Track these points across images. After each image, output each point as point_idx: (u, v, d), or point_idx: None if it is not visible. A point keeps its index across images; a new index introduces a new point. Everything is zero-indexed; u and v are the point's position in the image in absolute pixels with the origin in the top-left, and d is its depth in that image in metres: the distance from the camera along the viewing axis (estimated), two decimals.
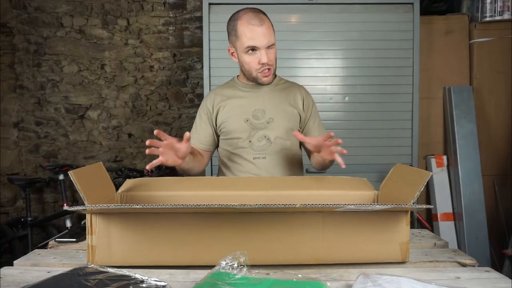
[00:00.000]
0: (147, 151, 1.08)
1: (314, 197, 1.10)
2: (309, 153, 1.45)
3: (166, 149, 1.11)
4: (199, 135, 1.47)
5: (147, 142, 1.04)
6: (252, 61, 1.34)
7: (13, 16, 3.17)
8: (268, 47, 1.32)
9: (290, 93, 1.46)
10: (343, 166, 1.11)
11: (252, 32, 1.29)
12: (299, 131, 1.46)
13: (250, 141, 1.40)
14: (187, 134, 1.13)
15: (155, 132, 1.07)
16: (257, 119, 1.40)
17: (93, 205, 0.85)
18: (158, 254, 0.93)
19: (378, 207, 0.83)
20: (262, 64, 1.33)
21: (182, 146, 1.15)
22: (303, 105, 1.47)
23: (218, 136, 1.49)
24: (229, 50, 1.42)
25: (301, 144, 1.48)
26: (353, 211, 0.92)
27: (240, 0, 2.28)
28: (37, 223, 2.84)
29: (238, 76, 1.50)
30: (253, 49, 1.32)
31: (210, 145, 1.49)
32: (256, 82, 1.41)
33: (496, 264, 2.57)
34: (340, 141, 1.09)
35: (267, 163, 1.41)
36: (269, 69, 1.35)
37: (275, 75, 1.45)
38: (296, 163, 1.48)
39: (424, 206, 0.87)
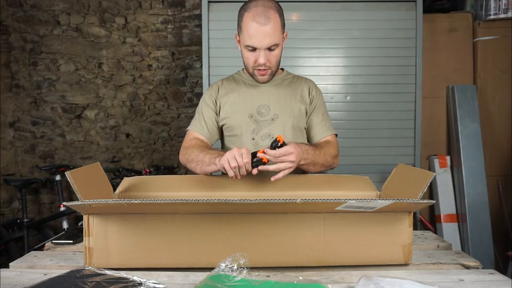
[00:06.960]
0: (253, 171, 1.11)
1: (315, 197, 1.09)
2: None
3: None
4: (207, 124, 1.40)
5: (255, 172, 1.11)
6: (249, 58, 1.30)
7: (8, 14, 3.14)
8: (269, 48, 1.26)
9: (297, 88, 1.41)
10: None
11: (254, 30, 1.23)
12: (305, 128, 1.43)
13: (253, 139, 1.37)
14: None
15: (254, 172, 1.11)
16: (262, 115, 1.37)
17: (91, 200, 0.83)
18: (157, 256, 0.92)
19: (380, 201, 0.82)
20: (259, 64, 1.28)
21: None
22: (309, 98, 1.42)
23: (220, 130, 1.45)
24: (236, 36, 1.36)
25: (309, 141, 1.45)
26: (354, 212, 0.91)
27: None
28: (34, 225, 2.81)
29: (243, 69, 1.46)
30: (253, 48, 1.27)
31: (217, 136, 1.44)
32: (253, 78, 1.38)
33: (500, 266, 2.56)
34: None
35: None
36: (265, 69, 1.31)
37: (275, 75, 1.40)
38: None
39: (426, 201, 0.85)
